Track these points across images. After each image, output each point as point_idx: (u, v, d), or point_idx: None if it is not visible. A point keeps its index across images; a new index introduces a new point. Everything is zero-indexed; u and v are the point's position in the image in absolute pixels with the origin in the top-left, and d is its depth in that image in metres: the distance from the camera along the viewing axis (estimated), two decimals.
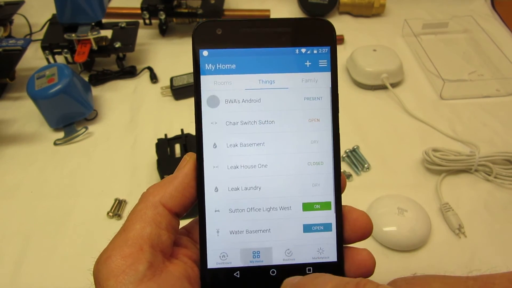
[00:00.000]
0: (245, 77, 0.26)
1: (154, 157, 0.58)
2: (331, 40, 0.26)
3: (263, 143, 0.26)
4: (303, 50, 0.26)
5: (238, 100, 0.26)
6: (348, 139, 0.61)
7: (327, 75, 0.26)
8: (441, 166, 0.55)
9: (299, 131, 0.26)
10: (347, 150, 0.59)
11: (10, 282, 0.47)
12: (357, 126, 0.64)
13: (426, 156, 0.56)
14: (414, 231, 0.48)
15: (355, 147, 0.60)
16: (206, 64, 0.25)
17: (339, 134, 0.26)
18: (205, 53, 0.25)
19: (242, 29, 0.25)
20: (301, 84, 0.26)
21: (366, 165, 0.57)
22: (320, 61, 0.26)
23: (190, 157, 0.26)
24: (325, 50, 0.26)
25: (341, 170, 0.27)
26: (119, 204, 0.54)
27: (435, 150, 0.56)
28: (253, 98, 0.26)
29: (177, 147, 0.58)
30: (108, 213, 0.53)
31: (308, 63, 0.26)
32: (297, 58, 0.26)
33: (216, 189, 0.25)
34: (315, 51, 0.26)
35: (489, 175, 0.55)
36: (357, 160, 0.58)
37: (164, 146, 0.58)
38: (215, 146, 0.25)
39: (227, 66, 0.25)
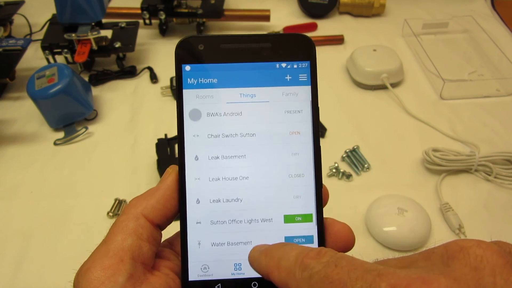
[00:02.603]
0: (227, 91, 0.26)
1: (154, 157, 0.58)
2: (310, 55, 0.26)
3: (245, 156, 0.26)
4: (284, 64, 0.26)
5: (220, 114, 0.26)
6: (348, 139, 0.61)
7: (307, 88, 0.26)
8: (441, 166, 0.55)
9: (280, 143, 0.26)
10: (347, 150, 0.59)
11: (10, 282, 0.47)
12: (357, 126, 0.64)
13: (426, 156, 0.56)
14: (414, 231, 0.48)
15: (355, 147, 0.60)
16: (188, 79, 0.26)
17: (320, 146, 0.26)
18: (187, 67, 0.26)
19: (223, 45, 0.26)
20: (282, 98, 0.26)
21: (366, 165, 0.57)
22: (300, 75, 0.26)
23: (173, 169, 0.26)
24: (305, 64, 0.26)
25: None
26: (119, 204, 0.54)
27: (435, 150, 0.56)
28: (234, 112, 0.26)
29: (177, 147, 0.58)
30: (108, 213, 0.53)
31: (288, 77, 0.26)
32: (278, 73, 0.26)
33: (198, 201, 0.26)
34: (295, 66, 0.26)
35: (489, 175, 0.55)
36: (357, 160, 0.58)
37: (164, 146, 0.58)
38: (197, 158, 0.26)
39: (209, 81, 0.26)
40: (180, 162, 0.26)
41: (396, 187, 0.55)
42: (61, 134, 0.63)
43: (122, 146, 0.62)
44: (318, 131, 0.26)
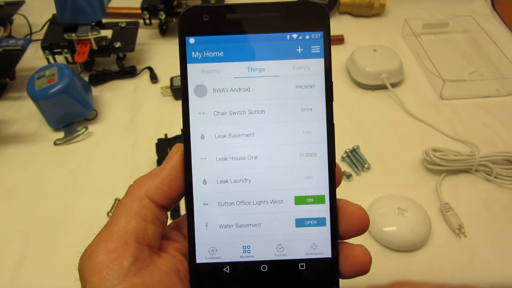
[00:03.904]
0: (234, 65, 0.24)
1: (154, 157, 0.58)
2: (324, 24, 0.24)
3: (253, 134, 0.25)
4: (295, 35, 0.24)
5: (227, 89, 0.25)
6: (348, 139, 0.61)
7: (320, 61, 0.25)
8: (441, 166, 0.55)
9: (291, 121, 0.25)
10: (347, 150, 0.59)
11: (10, 282, 0.47)
12: (357, 126, 0.64)
13: (426, 156, 0.56)
14: (414, 231, 0.48)
15: (355, 147, 0.60)
16: (193, 52, 0.24)
17: (333, 123, 0.25)
18: (191, 40, 0.24)
19: (229, 15, 0.24)
20: (293, 72, 0.25)
21: (366, 165, 0.57)
22: (312, 47, 0.25)
23: (178, 148, 0.25)
24: (318, 35, 0.24)
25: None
26: None
27: (435, 150, 0.56)
28: (242, 87, 0.25)
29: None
30: (108, 213, 0.53)
31: (299, 50, 0.25)
32: (288, 44, 0.24)
33: (205, 182, 0.25)
34: (307, 37, 0.24)
35: (489, 175, 0.55)
36: (357, 160, 0.58)
37: (164, 146, 0.58)
38: (203, 137, 0.25)
39: (215, 54, 0.24)
40: (186, 141, 0.25)
41: (396, 187, 0.55)
42: (61, 134, 0.63)
43: (122, 146, 0.62)
44: (332, 107, 0.25)
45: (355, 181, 0.56)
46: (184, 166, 0.25)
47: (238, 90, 0.25)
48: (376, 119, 0.65)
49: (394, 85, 0.70)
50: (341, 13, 0.88)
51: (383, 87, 0.69)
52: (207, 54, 0.25)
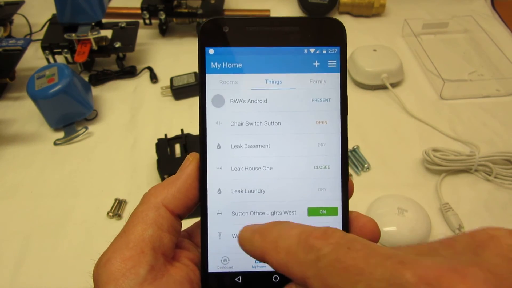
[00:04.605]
0: (252, 77, 0.25)
1: (154, 157, 0.58)
2: (341, 40, 0.25)
3: (269, 145, 0.25)
4: (312, 50, 0.25)
5: (244, 100, 0.25)
6: (348, 139, 0.61)
7: (336, 76, 0.25)
8: (441, 166, 0.55)
9: (306, 133, 0.25)
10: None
11: (10, 282, 0.47)
12: (357, 126, 0.64)
13: (426, 156, 0.56)
14: (414, 231, 0.48)
15: (355, 147, 0.60)
16: (212, 63, 0.25)
17: (347, 137, 0.26)
18: (211, 51, 0.25)
19: (249, 28, 0.25)
20: (309, 85, 0.25)
21: (366, 165, 0.57)
22: (329, 61, 0.25)
23: (193, 157, 0.25)
24: (335, 50, 0.25)
25: (353, 183, 0.26)
26: (119, 204, 0.54)
27: (435, 150, 0.56)
28: (259, 98, 0.25)
29: (177, 147, 0.58)
30: (108, 213, 0.53)
31: (316, 64, 0.25)
32: (306, 58, 0.25)
33: (219, 191, 0.25)
34: (324, 51, 0.25)
35: (489, 175, 0.55)
36: (357, 160, 0.58)
37: (164, 146, 0.58)
38: (219, 146, 0.25)
39: (233, 65, 0.25)
40: (202, 150, 0.25)
41: (396, 187, 0.55)
42: (61, 134, 0.63)
43: (122, 146, 0.62)
44: (346, 120, 0.25)
45: (355, 181, 0.56)
46: (200, 175, 0.25)
47: (255, 101, 0.25)
48: (376, 119, 0.65)
49: (394, 85, 0.70)
50: (341, 13, 0.88)
51: (383, 87, 0.69)
52: (226, 65, 0.25)
